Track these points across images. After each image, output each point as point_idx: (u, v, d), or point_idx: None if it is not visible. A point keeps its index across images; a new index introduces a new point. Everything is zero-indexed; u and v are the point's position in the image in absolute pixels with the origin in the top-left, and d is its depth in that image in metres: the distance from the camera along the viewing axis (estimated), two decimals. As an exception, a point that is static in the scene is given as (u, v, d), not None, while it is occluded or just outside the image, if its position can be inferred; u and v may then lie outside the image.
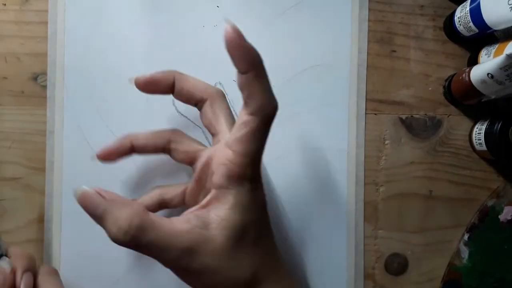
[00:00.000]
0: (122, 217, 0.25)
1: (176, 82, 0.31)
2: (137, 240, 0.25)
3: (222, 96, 0.32)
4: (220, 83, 0.38)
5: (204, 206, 0.28)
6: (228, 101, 0.37)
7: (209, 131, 0.32)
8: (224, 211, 0.27)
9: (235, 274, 0.27)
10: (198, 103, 0.32)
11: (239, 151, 0.27)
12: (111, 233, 0.25)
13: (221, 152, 0.28)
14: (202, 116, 0.32)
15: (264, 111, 0.26)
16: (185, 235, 0.26)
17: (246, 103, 0.26)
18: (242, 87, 0.26)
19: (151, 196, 0.33)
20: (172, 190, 0.33)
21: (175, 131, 0.33)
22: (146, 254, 0.26)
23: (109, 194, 0.26)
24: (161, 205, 0.33)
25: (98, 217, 0.26)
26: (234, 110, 0.38)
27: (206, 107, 0.32)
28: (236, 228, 0.27)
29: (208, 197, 0.28)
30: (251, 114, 0.26)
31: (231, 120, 0.31)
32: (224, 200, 0.27)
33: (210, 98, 0.32)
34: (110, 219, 0.26)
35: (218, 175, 0.27)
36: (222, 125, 0.31)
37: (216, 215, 0.27)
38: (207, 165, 0.30)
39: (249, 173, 0.27)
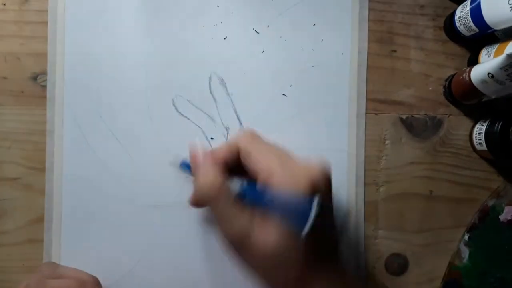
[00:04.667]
0: (206, 183, 0.30)
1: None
2: (205, 206, 0.31)
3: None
4: (215, 73, 0.37)
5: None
6: (230, 94, 0.37)
7: None
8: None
9: (282, 272, 0.29)
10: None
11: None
12: (196, 188, 0.31)
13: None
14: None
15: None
16: (245, 219, 0.29)
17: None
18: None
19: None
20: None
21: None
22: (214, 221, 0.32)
23: (210, 156, 0.32)
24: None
25: (194, 171, 0.33)
26: (233, 106, 0.38)
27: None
28: (292, 236, 0.28)
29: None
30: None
31: None
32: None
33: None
34: (195, 181, 0.32)
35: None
36: None
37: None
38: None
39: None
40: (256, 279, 0.31)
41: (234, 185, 0.31)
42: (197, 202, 0.32)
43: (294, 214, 0.28)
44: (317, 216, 0.27)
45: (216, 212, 0.30)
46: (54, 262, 0.36)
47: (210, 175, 0.31)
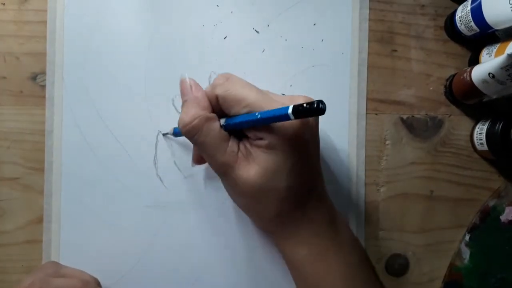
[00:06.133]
0: (190, 113, 0.30)
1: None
2: (190, 136, 0.30)
3: None
4: (214, 73, 0.37)
5: (257, 145, 0.30)
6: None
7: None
8: (266, 162, 0.30)
9: (261, 206, 0.31)
10: None
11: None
12: (180, 118, 0.31)
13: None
14: None
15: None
16: (227, 154, 0.30)
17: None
18: None
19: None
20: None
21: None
22: (197, 150, 0.32)
23: (197, 91, 0.31)
24: None
25: (182, 101, 0.32)
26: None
27: None
28: (272, 179, 0.30)
29: (263, 144, 0.30)
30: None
31: None
32: (273, 154, 0.30)
33: None
34: (184, 108, 0.31)
35: (277, 133, 0.29)
36: None
37: (260, 155, 0.30)
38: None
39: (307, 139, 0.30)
40: (241, 209, 0.34)
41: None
42: (186, 134, 0.31)
43: (281, 114, 0.27)
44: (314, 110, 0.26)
45: (202, 143, 0.30)
46: (56, 262, 0.36)
47: (194, 107, 0.31)
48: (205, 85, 0.37)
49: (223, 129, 0.31)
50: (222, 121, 0.31)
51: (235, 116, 0.30)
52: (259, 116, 0.28)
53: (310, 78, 0.38)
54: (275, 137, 0.29)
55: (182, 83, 0.32)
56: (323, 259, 0.32)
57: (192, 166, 0.36)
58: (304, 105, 0.25)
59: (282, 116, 0.27)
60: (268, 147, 0.29)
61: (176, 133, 0.36)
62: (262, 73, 0.38)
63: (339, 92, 0.38)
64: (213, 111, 0.31)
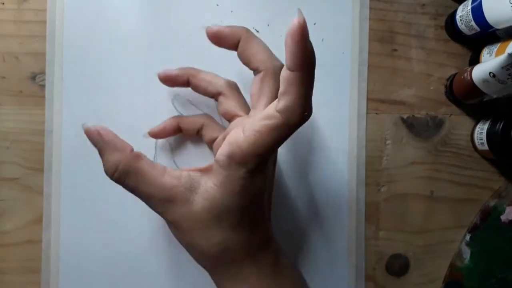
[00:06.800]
0: (112, 160, 0.28)
1: (241, 42, 0.31)
2: (121, 182, 0.28)
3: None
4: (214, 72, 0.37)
5: (202, 171, 0.28)
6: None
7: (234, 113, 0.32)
8: (211, 186, 0.27)
9: (204, 244, 0.28)
10: (255, 70, 0.32)
11: (250, 139, 0.26)
12: (104, 169, 0.28)
13: (235, 130, 0.27)
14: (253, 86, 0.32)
15: (293, 114, 0.25)
16: (168, 189, 0.27)
17: (279, 98, 0.25)
18: (283, 82, 0.25)
19: (169, 121, 0.35)
20: (190, 123, 0.35)
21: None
22: (133, 194, 0.29)
23: (107, 135, 0.28)
24: (175, 131, 0.35)
25: (98, 152, 0.29)
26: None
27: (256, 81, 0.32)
28: (216, 207, 0.27)
29: (208, 164, 0.28)
30: (279, 111, 0.25)
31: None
32: (216, 176, 0.27)
33: (265, 71, 0.31)
34: (104, 157, 0.28)
35: (222, 150, 0.27)
36: (261, 102, 0.31)
37: (204, 185, 0.28)
38: (229, 130, 0.31)
39: (250, 163, 0.26)
40: (185, 246, 0.30)
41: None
42: (118, 182, 0.28)
43: None
44: None
45: (135, 184, 0.28)
46: None
47: (111, 152, 0.28)
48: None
49: None
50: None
51: None
52: None
53: (310, 77, 0.38)
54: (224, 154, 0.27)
55: (87, 133, 0.29)
56: None
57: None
58: None
59: None
60: (215, 172, 0.27)
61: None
62: (262, 73, 0.38)
63: (339, 92, 0.38)
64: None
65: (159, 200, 0.28)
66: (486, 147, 0.36)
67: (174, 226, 0.29)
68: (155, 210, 0.29)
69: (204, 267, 0.31)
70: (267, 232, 0.31)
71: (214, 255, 0.29)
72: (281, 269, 0.31)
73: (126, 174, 0.28)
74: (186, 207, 0.28)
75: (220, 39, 0.31)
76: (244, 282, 0.29)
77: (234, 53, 0.38)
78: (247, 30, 0.31)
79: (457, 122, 0.39)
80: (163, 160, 0.37)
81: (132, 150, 0.29)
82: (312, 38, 0.38)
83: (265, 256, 0.30)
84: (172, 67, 0.37)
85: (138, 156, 0.28)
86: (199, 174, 0.28)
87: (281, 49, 0.38)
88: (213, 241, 0.28)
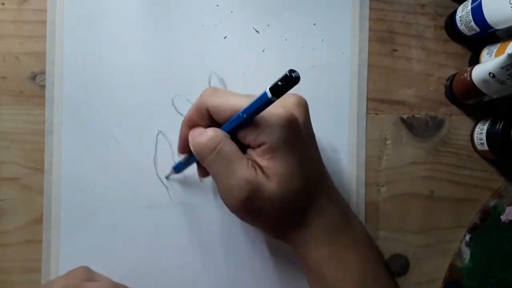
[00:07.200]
0: (206, 134, 0.30)
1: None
2: (211, 149, 0.30)
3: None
4: (214, 73, 0.37)
5: (265, 156, 0.30)
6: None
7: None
8: (280, 167, 0.29)
9: (279, 218, 0.31)
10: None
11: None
12: (193, 142, 0.31)
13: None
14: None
15: None
16: (249, 169, 0.29)
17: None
18: None
19: (183, 132, 0.34)
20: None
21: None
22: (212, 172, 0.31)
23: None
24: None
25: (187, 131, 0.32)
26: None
27: None
28: (290, 182, 0.30)
29: (266, 148, 0.29)
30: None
31: None
32: (281, 157, 0.29)
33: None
34: (194, 132, 0.31)
35: (274, 132, 0.29)
36: None
37: (273, 167, 0.29)
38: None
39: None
40: (261, 228, 0.33)
41: None
42: (202, 153, 0.30)
43: (261, 100, 0.27)
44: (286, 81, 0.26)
45: (221, 159, 0.29)
46: (88, 267, 0.35)
47: (203, 132, 0.30)
48: (205, 85, 0.37)
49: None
50: None
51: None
52: (243, 114, 0.28)
53: (310, 78, 0.38)
54: (274, 136, 0.29)
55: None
56: (341, 257, 0.32)
57: (201, 181, 0.36)
58: (279, 82, 0.26)
59: (263, 101, 0.27)
60: (272, 150, 0.29)
61: (177, 169, 0.36)
62: (262, 73, 0.38)
63: (339, 92, 0.38)
64: (205, 125, 0.31)
65: (244, 180, 0.29)
66: (486, 147, 0.36)
67: (260, 209, 0.30)
68: (235, 194, 0.30)
69: (283, 239, 0.33)
70: (328, 178, 0.34)
71: (289, 224, 0.31)
72: (352, 222, 0.34)
73: (214, 147, 0.29)
74: (267, 192, 0.29)
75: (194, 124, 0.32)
76: (322, 244, 0.32)
77: (234, 53, 0.38)
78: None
79: (457, 122, 0.39)
80: (163, 160, 0.37)
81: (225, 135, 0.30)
82: (312, 38, 0.38)
83: (335, 211, 0.33)
84: (172, 67, 0.37)
85: (227, 137, 0.30)
86: (264, 159, 0.30)
87: (281, 49, 0.38)
88: (286, 210, 0.30)
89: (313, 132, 0.33)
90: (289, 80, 0.26)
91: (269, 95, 0.26)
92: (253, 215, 0.31)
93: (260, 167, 0.30)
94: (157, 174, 0.37)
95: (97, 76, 0.37)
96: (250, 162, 0.30)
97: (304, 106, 0.32)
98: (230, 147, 0.29)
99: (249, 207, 0.30)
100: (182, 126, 0.33)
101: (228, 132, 0.30)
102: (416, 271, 0.38)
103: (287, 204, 0.30)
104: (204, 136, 0.30)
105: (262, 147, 0.29)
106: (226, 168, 0.29)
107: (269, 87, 0.26)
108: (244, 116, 0.28)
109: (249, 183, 0.29)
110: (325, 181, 0.33)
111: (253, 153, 0.30)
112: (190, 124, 0.32)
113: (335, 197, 0.34)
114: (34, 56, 0.37)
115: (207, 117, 0.31)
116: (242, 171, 0.29)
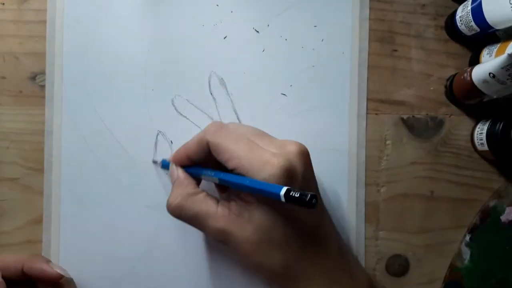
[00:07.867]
0: (173, 194, 0.32)
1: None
2: (177, 215, 0.31)
3: None
4: (214, 73, 0.37)
5: (247, 201, 0.30)
6: (229, 94, 0.37)
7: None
8: (258, 214, 0.30)
9: (268, 262, 0.30)
10: None
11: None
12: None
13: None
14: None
15: None
16: (220, 220, 0.30)
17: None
18: None
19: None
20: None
21: None
22: (192, 225, 0.32)
23: (180, 172, 0.33)
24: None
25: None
26: (233, 106, 0.37)
27: None
28: (268, 229, 0.30)
29: (252, 198, 0.30)
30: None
31: None
32: (264, 207, 0.30)
33: None
34: (171, 192, 0.32)
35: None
36: None
37: (252, 212, 0.30)
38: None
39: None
40: (251, 269, 0.33)
41: (210, 177, 0.32)
42: (173, 214, 0.32)
43: (271, 191, 0.27)
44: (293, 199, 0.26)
45: (192, 217, 0.31)
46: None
47: (176, 188, 0.32)
48: (205, 85, 0.37)
49: (218, 182, 0.31)
50: (212, 173, 0.31)
51: (225, 172, 0.31)
52: (249, 184, 0.28)
53: (310, 78, 0.38)
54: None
55: (170, 169, 0.34)
56: None
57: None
58: (297, 195, 0.26)
59: (273, 193, 0.27)
60: (259, 202, 0.30)
61: (164, 165, 0.36)
62: (262, 73, 0.38)
63: (339, 92, 0.38)
64: (203, 156, 0.32)
65: (216, 230, 0.30)
66: (486, 147, 0.36)
67: (237, 252, 0.31)
68: (215, 239, 0.31)
69: (278, 286, 0.32)
70: (326, 224, 0.33)
71: (279, 274, 0.31)
72: (351, 271, 0.33)
73: (182, 208, 0.31)
74: (242, 232, 0.30)
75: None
76: None
77: (234, 53, 0.38)
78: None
79: (457, 123, 0.39)
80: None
81: (192, 186, 0.32)
82: (312, 38, 0.38)
83: (330, 259, 0.32)
84: (172, 67, 0.37)
85: (196, 193, 0.31)
86: (243, 202, 0.30)
87: (281, 50, 0.38)
88: (274, 259, 0.30)
89: (314, 182, 0.33)
90: (306, 202, 0.25)
91: (283, 199, 0.26)
92: (238, 258, 0.32)
93: (241, 210, 0.30)
94: (157, 174, 0.37)
95: (97, 76, 0.37)
96: (223, 210, 0.30)
97: (305, 156, 0.31)
98: (195, 204, 0.31)
99: (230, 251, 0.31)
100: (181, 151, 0.33)
101: (223, 182, 0.31)
102: (416, 272, 0.38)
103: (268, 252, 0.30)
104: (170, 196, 0.32)
105: (249, 197, 0.30)
106: (198, 225, 0.31)
107: (285, 189, 0.26)
108: (248, 185, 0.28)
109: (221, 233, 0.30)
110: (323, 228, 0.33)
111: (238, 196, 0.31)
112: (189, 152, 0.33)
113: (334, 245, 0.33)
114: (34, 56, 0.37)
115: (207, 150, 0.31)
116: (213, 223, 0.30)
